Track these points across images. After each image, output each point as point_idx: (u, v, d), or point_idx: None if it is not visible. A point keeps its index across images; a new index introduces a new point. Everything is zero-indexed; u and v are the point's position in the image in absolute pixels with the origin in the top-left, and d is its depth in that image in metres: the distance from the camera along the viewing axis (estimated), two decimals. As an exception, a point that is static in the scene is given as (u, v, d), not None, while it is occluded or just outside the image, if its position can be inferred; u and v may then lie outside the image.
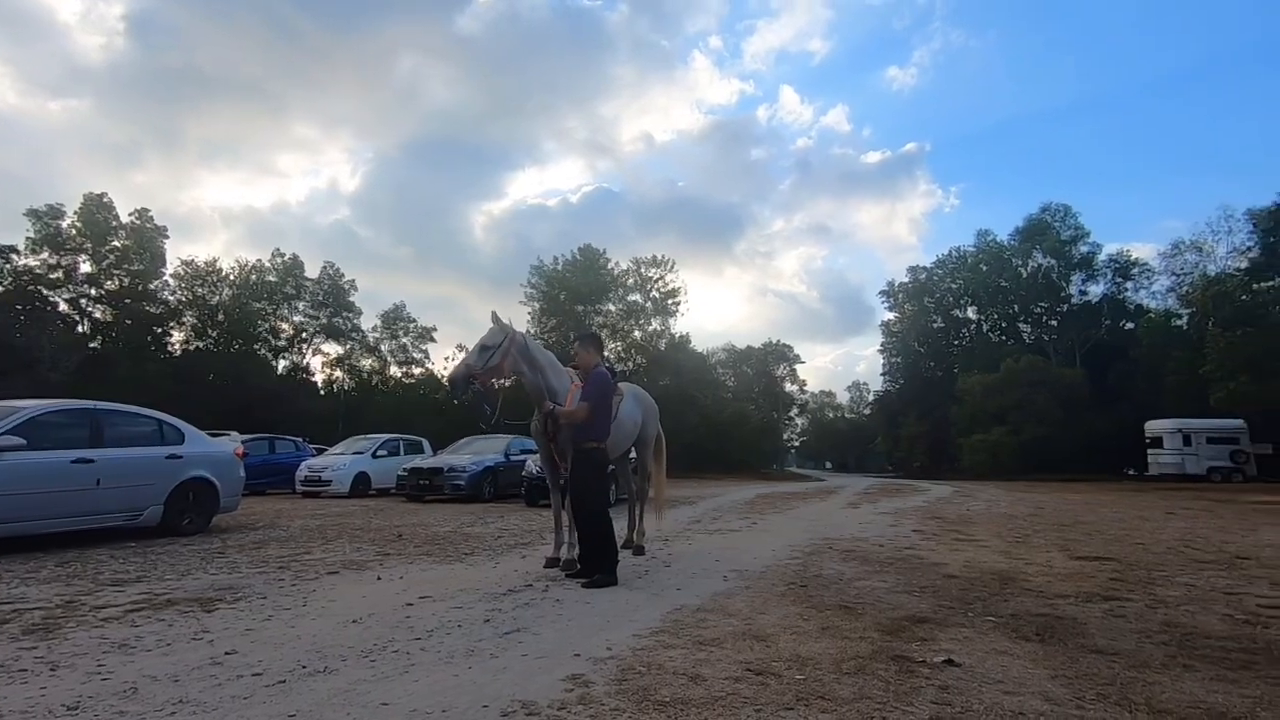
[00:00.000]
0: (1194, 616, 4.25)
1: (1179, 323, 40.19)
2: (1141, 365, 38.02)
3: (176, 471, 7.89)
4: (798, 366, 61.14)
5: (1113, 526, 10.00)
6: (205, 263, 42.10)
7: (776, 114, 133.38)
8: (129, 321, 37.13)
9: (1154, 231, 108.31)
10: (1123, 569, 6.06)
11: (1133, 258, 46.74)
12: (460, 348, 37.92)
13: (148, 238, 37.59)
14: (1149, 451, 31.65)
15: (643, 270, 46.22)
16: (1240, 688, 2.94)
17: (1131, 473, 35.08)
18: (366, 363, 46.93)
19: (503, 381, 5.72)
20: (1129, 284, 47.00)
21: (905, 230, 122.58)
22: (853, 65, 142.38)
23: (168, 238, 38.72)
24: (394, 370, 47.36)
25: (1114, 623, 4.07)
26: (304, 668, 3.11)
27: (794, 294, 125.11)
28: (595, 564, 5.14)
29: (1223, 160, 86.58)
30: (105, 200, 36.86)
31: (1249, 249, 34.86)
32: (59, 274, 35.62)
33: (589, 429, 5.23)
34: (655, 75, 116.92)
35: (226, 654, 3.32)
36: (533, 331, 40.73)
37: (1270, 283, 31.49)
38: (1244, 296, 31.53)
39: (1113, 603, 4.63)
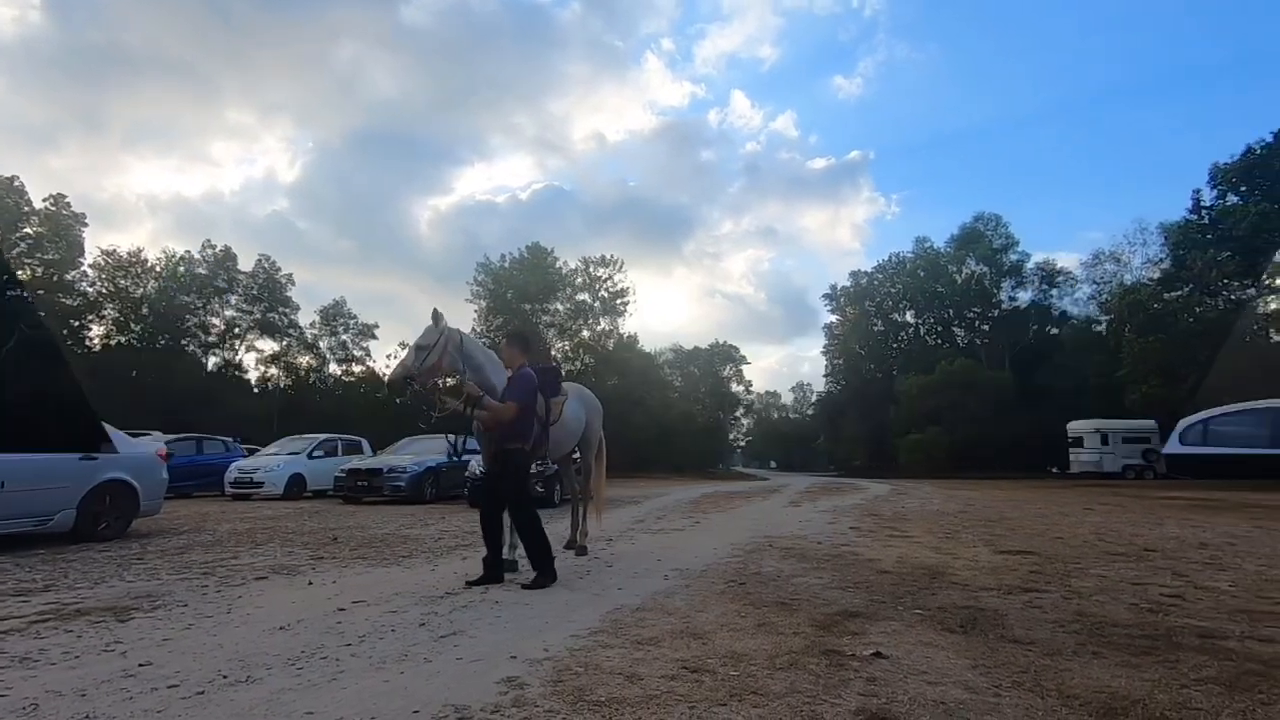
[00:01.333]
0: (1104, 606, 4.51)
1: (1099, 329, 42.65)
2: (1065, 369, 40.15)
3: (91, 473, 7.45)
4: (744, 367, 61.82)
5: (1035, 522, 10.52)
6: (129, 253, 40.13)
7: (727, 117, 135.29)
8: (42, 314, 34.85)
9: (1078, 242, 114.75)
10: (1042, 562, 6.38)
11: (1058, 267, 49.67)
12: (403, 345, 37.13)
13: (64, 225, 35.44)
14: (1070, 450, 33.39)
15: (591, 270, 46.18)
16: (1141, 672, 3.13)
17: (1055, 470, 36.92)
18: (304, 360, 45.42)
19: (446, 381, 5.61)
20: (1054, 291, 49.79)
21: (849, 235, 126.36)
22: (801, 73, 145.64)
23: (86, 225, 36.71)
24: (333, 368, 46.13)
25: (1032, 613, 4.28)
26: (225, 678, 2.98)
27: (741, 295, 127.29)
28: (533, 563, 5.10)
29: (1142, 173, 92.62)
30: (16, 184, 34.60)
31: (1161, 260, 37.31)
32: (-38, 262, 33.17)
33: (513, 430, 5.10)
34: (607, 75, 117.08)
35: (140, 665, 3.15)
36: (477, 330, 40.15)
37: (1178, 293, 33.67)
38: (1156, 305, 33.71)
39: (1032, 594, 4.87)
